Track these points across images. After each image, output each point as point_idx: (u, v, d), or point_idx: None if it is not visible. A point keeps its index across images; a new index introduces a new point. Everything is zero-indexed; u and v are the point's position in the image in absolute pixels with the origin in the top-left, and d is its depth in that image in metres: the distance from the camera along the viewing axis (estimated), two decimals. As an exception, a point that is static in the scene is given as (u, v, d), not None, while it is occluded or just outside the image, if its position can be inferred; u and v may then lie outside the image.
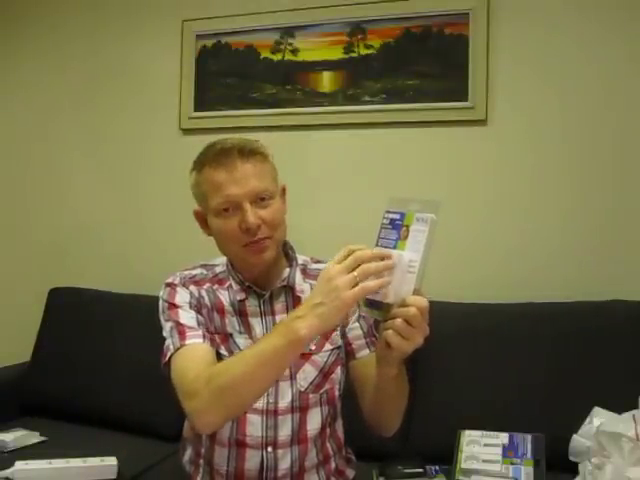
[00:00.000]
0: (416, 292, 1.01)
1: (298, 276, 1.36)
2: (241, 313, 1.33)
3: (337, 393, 1.36)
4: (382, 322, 1.05)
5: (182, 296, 1.32)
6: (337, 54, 2.23)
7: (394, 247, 1.04)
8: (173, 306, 1.31)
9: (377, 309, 1.04)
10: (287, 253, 1.38)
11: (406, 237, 1.03)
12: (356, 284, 1.00)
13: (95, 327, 2.20)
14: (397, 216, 1.06)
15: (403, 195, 1.08)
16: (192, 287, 1.33)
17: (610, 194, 1.98)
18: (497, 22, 2.06)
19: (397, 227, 1.05)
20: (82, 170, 2.55)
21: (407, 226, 1.04)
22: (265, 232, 1.25)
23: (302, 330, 1.03)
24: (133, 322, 2.13)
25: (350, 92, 2.22)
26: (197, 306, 1.31)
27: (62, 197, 2.58)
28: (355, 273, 1.01)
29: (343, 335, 1.37)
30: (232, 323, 1.32)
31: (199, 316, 1.30)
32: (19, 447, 1.80)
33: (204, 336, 1.27)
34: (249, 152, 1.27)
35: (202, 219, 1.33)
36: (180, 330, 1.27)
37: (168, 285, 1.35)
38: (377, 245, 1.07)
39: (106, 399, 2.06)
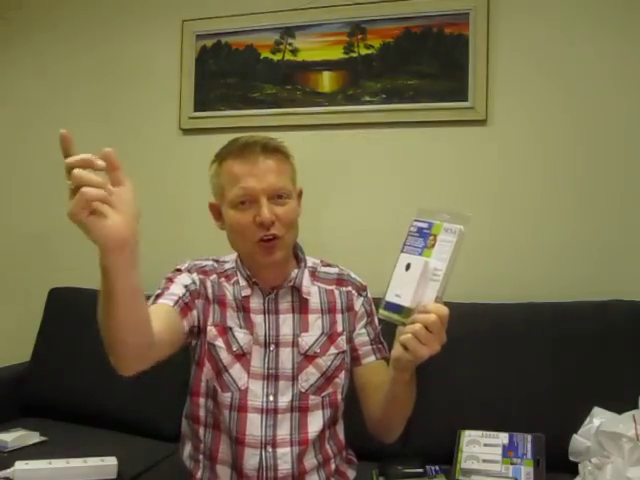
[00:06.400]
0: (437, 300, 1.03)
1: (306, 278, 1.37)
2: (244, 309, 1.33)
3: (340, 397, 1.36)
4: (400, 326, 1.06)
5: (183, 279, 1.33)
6: (337, 54, 2.22)
7: (420, 254, 1.06)
8: (169, 280, 1.32)
9: (396, 313, 1.05)
10: (296, 254, 1.39)
11: (433, 245, 1.06)
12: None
13: (95, 327, 2.16)
14: (425, 225, 1.08)
15: (432, 206, 1.10)
16: (198, 275, 1.34)
17: (610, 194, 1.98)
18: (497, 22, 2.06)
19: (424, 235, 1.07)
20: (82, 170, 2.55)
21: (435, 235, 1.06)
22: (278, 229, 1.26)
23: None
24: (133, 322, 2.12)
25: (350, 92, 2.21)
26: (194, 293, 1.31)
27: (62, 197, 2.57)
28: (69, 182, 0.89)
29: (349, 340, 1.38)
30: (233, 317, 1.33)
31: (189, 295, 1.29)
32: (19, 447, 1.80)
33: (176, 302, 1.26)
34: (272, 149, 1.29)
35: (217, 211, 1.34)
36: (159, 294, 1.28)
37: (176, 269, 1.37)
38: (402, 252, 1.09)
39: (106, 399, 2.05)
